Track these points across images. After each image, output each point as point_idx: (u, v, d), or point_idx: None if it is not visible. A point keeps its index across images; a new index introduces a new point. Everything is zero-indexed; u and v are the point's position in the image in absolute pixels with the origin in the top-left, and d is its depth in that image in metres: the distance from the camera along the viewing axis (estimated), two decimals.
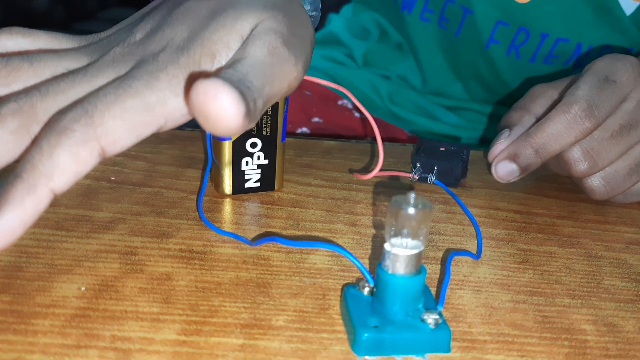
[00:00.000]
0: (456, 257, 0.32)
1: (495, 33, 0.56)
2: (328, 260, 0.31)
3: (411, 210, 0.23)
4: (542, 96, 0.40)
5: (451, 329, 0.26)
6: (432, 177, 0.39)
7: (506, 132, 0.39)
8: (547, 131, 0.36)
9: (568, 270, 0.32)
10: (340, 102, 0.64)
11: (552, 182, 0.42)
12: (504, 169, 0.38)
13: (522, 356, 0.25)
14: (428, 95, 0.63)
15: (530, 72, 0.58)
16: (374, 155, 0.46)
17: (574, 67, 0.56)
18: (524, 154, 0.37)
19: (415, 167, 0.40)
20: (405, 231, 0.23)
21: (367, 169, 0.43)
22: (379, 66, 0.64)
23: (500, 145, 0.39)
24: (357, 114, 0.63)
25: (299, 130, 0.59)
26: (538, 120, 0.39)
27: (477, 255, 0.32)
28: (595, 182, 0.37)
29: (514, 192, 0.40)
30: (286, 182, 0.39)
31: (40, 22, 1.35)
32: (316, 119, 0.63)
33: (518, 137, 0.38)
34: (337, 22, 0.69)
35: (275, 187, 0.37)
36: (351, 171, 0.41)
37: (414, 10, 0.59)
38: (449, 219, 0.36)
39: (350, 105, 0.63)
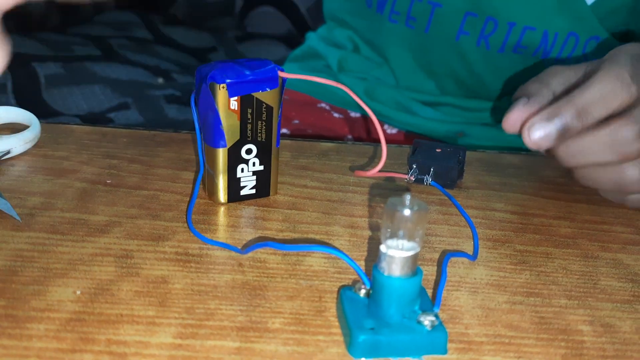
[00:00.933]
0: (453, 259, 0.32)
1: (464, 24, 0.57)
2: (324, 263, 0.31)
3: (407, 212, 0.23)
4: (560, 74, 0.39)
5: (448, 330, 0.26)
6: (428, 179, 0.39)
7: (524, 100, 0.37)
8: (592, 92, 0.34)
9: (565, 271, 0.32)
10: (318, 105, 0.65)
11: (549, 183, 0.42)
12: (539, 132, 0.35)
13: (519, 357, 0.25)
14: (404, 91, 0.64)
15: (501, 63, 0.58)
16: (371, 156, 0.46)
17: (543, 57, 0.57)
18: (564, 114, 0.34)
19: (411, 168, 0.40)
20: (401, 233, 0.23)
21: (365, 168, 0.43)
22: (355, 71, 0.66)
23: (518, 112, 0.36)
24: (336, 115, 0.65)
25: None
26: (555, 97, 0.37)
27: (474, 257, 0.32)
28: None
29: (511, 193, 0.40)
30: (282, 185, 0.39)
31: (36, 27, 1.35)
32: (296, 122, 0.64)
33: (559, 99, 0.35)
34: (313, 38, 0.72)
35: (271, 193, 0.37)
36: (352, 169, 0.41)
37: (384, 13, 0.61)
38: (445, 220, 0.36)
39: (328, 107, 0.65)
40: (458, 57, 0.59)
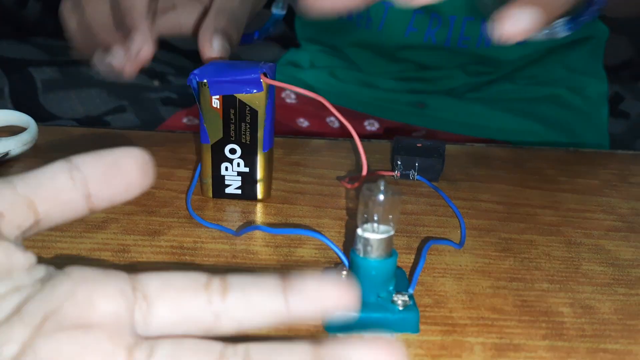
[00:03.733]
0: (440, 247, 0.33)
1: (413, 22, 0.62)
2: (315, 253, 0.32)
3: (380, 197, 0.24)
4: None
5: (433, 314, 0.27)
6: (414, 173, 0.40)
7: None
8: None
9: (548, 257, 0.33)
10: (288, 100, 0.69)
11: (534, 174, 0.44)
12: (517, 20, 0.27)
13: (501, 338, 0.26)
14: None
15: (447, 57, 0.64)
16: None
17: (487, 46, 0.63)
18: None
19: (397, 165, 0.41)
20: (375, 217, 0.25)
21: (355, 165, 0.44)
22: (322, 67, 0.71)
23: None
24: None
25: None
26: None
27: (460, 245, 0.33)
28: None
29: (497, 185, 0.42)
30: (274, 181, 0.40)
31: (32, 32, 1.36)
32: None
33: None
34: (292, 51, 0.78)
35: (260, 197, 0.37)
36: (339, 179, 0.42)
37: (353, 19, 0.66)
38: (433, 211, 0.37)
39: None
40: (409, 51, 0.64)
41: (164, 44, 1.58)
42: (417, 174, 0.40)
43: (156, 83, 1.16)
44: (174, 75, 1.22)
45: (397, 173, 0.41)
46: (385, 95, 0.67)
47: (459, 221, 0.36)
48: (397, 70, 0.67)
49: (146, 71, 1.20)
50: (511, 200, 0.39)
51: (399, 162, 0.41)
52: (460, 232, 0.35)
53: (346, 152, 0.46)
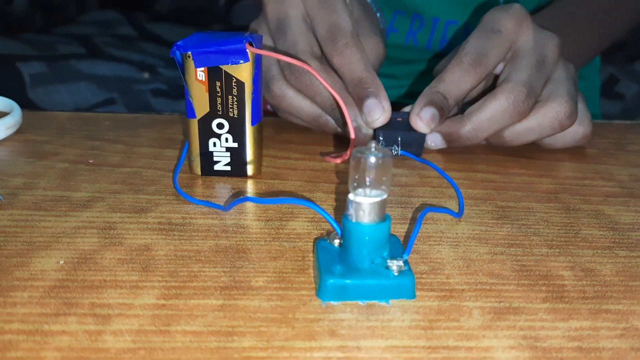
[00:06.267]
0: (435, 216, 0.32)
1: (394, 22, 0.61)
2: (307, 226, 0.31)
3: (372, 159, 0.23)
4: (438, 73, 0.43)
5: (429, 280, 0.26)
6: (397, 149, 0.39)
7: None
8: (446, 80, 0.39)
9: (546, 223, 0.32)
10: None
11: (530, 145, 0.43)
12: (427, 114, 0.38)
13: (500, 302, 0.25)
14: None
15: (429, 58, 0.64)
16: None
17: None
18: (430, 95, 0.38)
19: (378, 140, 0.39)
20: (367, 180, 0.24)
21: (346, 141, 0.43)
22: None
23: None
24: None
25: None
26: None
27: (459, 214, 0.32)
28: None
29: (493, 156, 0.41)
30: (265, 158, 0.39)
31: (20, 27, 1.34)
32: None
33: (428, 88, 0.39)
34: None
35: (250, 173, 0.36)
36: (322, 155, 0.41)
37: None
38: (426, 182, 0.36)
39: None
40: (391, 50, 0.63)
41: (154, 37, 1.56)
42: (400, 149, 0.39)
43: (146, 75, 1.15)
44: (163, 67, 1.21)
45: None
46: None
47: (455, 191, 0.35)
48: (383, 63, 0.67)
49: (136, 64, 1.19)
50: (507, 170, 0.39)
51: (381, 137, 0.39)
52: (458, 201, 0.34)
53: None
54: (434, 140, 0.40)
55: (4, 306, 0.24)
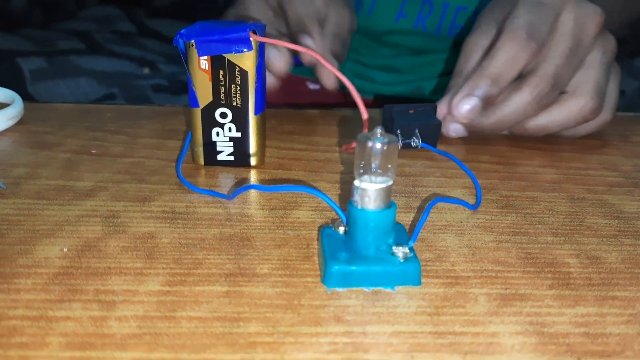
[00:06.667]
0: (439, 205, 0.32)
1: (404, 7, 0.61)
2: (312, 214, 0.31)
3: (377, 145, 0.23)
4: (474, 51, 0.41)
5: (435, 267, 0.26)
6: (416, 141, 0.39)
7: (444, 98, 0.40)
8: (499, 59, 0.37)
9: (551, 212, 0.32)
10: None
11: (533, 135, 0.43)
12: (465, 106, 0.38)
13: (506, 289, 0.25)
14: (363, 59, 0.69)
15: (438, 44, 0.64)
16: (354, 121, 0.46)
17: None
18: (480, 85, 0.38)
19: (396, 134, 0.38)
20: (372, 166, 0.24)
21: (349, 133, 0.43)
22: None
23: (442, 105, 0.40)
24: (312, 87, 0.69)
25: None
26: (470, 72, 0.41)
27: (476, 205, 0.32)
28: (581, 100, 0.39)
29: (496, 146, 0.41)
30: (268, 149, 0.39)
31: (19, 23, 1.34)
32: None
33: (472, 74, 0.39)
34: None
35: (254, 163, 0.35)
36: (341, 144, 0.41)
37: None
38: (431, 173, 0.36)
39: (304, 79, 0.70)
40: (399, 36, 0.63)
41: (153, 33, 1.56)
42: (420, 142, 0.38)
43: (146, 70, 1.14)
44: (164, 63, 1.21)
45: (400, 144, 0.39)
46: (380, 87, 0.67)
47: (474, 183, 0.34)
48: (388, 54, 0.66)
49: (136, 59, 1.19)
50: (511, 160, 0.39)
51: (399, 132, 0.38)
52: (476, 192, 0.33)
53: (340, 120, 0.45)
54: (456, 130, 0.40)
55: (7, 293, 0.24)
